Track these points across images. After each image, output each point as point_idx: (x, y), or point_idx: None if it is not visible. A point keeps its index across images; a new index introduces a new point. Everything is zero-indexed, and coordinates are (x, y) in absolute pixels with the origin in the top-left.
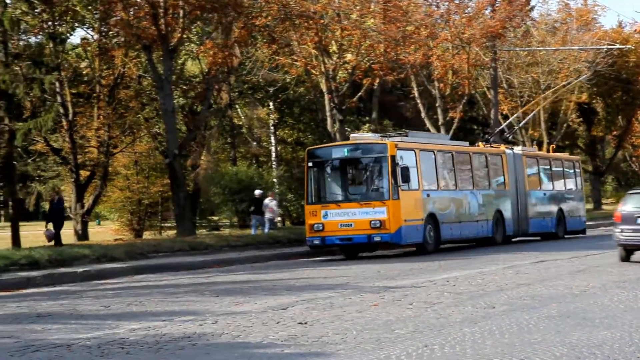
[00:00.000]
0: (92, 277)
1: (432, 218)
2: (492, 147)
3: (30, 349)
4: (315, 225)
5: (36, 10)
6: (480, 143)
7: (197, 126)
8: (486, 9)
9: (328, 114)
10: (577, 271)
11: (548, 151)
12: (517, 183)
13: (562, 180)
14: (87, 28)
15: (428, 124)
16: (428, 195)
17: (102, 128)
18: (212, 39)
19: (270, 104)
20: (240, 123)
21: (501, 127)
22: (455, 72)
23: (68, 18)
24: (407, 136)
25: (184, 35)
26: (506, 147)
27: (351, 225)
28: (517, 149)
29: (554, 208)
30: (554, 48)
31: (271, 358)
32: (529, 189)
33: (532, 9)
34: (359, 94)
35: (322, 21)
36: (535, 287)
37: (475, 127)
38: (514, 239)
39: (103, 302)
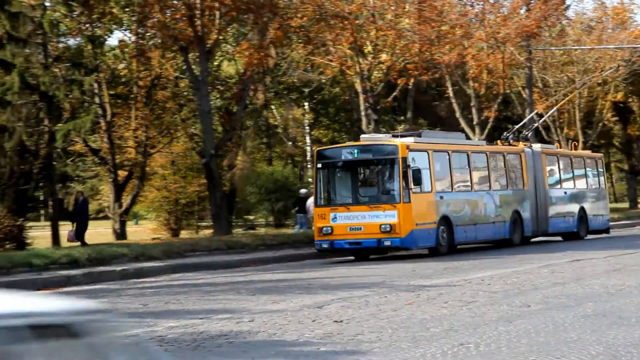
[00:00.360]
0: (131, 275)
1: (445, 221)
2: (511, 145)
3: None
4: (324, 228)
5: (75, 13)
6: (498, 142)
7: (233, 126)
8: (521, 9)
9: (363, 113)
10: (613, 270)
11: (571, 149)
12: (537, 182)
13: (584, 178)
14: (125, 30)
15: (463, 124)
16: (441, 197)
17: (140, 128)
18: (248, 39)
19: (306, 104)
20: (276, 123)
21: (519, 125)
22: (490, 71)
23: (106, 20)
24: (420, 136)
25: (220, 37)
26: (525, 145)
27: (361, 229)
28: (537, 147)
29: (575, 207)
30: (589, 47)
31: (307, 356)
32: (548, 188)
33: (567, 8)
34: (394, 93)
35: (357, 22)
36: (571, 285)
37: (510, 126)
38: (534, 239)
39: (141, 300)
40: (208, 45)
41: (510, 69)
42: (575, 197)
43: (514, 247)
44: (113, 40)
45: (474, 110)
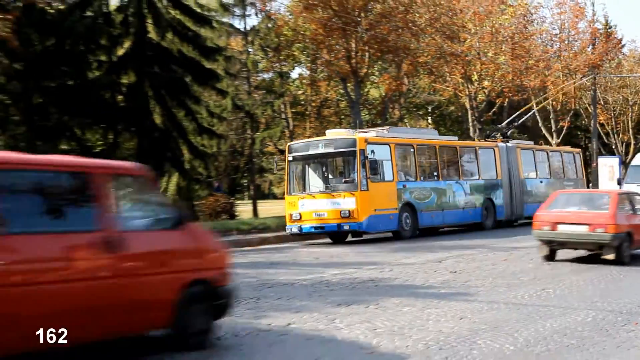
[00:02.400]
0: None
1: (409, 207)
2: (486, 141)
3: (266, 286)
4: (294, 214)
5: (268, 55)
6: (477, 138)
7: None
8: (588, 47)
9: (471, 125)
10: None
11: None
12: (512, 172)
13: (561, 169)
14: (302, 66)
15: (544, 131)
16: (404, 185)
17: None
18: (388, 72)
19: (429, 118)
20: None
21: (501, 125)
22: (565, 93)
23: (289, 60)
24: (388, 132)
25: (369, 70)
26: (501, 142)
27: (324, 214)
28: (512, 143)
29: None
30: (638, 75)
31: (431, 296)
32: (524, 178)
33: (623, 46)
34: (493, 109)
35: (466, 58)
36: None
37: (579, 132)
38: (515, 223)
39: (314, 255)
40: (360, 77)
41: (579, 91)
42: (552, 185)
43: (486, 230)
44: (294, 74)
45: (552, 121)
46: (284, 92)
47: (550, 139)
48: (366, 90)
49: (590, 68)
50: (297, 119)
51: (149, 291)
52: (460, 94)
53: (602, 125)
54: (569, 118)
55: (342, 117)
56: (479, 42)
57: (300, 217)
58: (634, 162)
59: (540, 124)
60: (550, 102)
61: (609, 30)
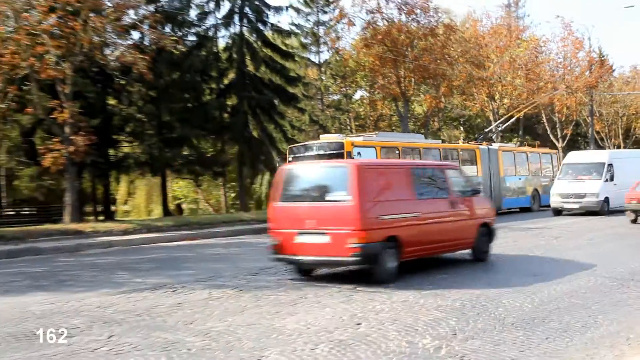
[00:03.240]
0: None
1: None
2: (469, 144)
3: None
4: None
5: (337, 82)
6: (466, 142)
7: None
8: (586, 72)
9: (495, 133)
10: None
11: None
12: (492, 171)
13: (540, 168)
14: (362, 89)
15: (552, 137)
16: None
17: None
18: (429, 93)
19: (461, 128)
20: (443, 139)
21: (487, 130)
22: (568, 107)
23: (353, 85)
24: (376, 135)
25: (414, 92)
26: (487, 144)
27: None
28: (495, 145)
29: (530, 189)
30: (626, 93)
31: (466, 267)
32: (503, 175)
33: (614, 70)
34: (511, 120)
35: (490, 82)
36: (607, 230)
37: (580, 138)
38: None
39: None
40: (408, 97)
41: (580, 105)
42: (530, 182)
43: None
44: (356, 95)
45: (558, 130)
46: (349, 109)
47: (557, 143)
48: (412, 107)
49: (588, 88)
50: (359, 130)
51: (466, 229)
52: (485, 109)
53: (597, 132)
54: (571, 127)
55: (394, 128)
56: (500, 69)
57: None
58: (566, 160)
59: (549, 132)
60: (556, 115)
61: (602, 58)
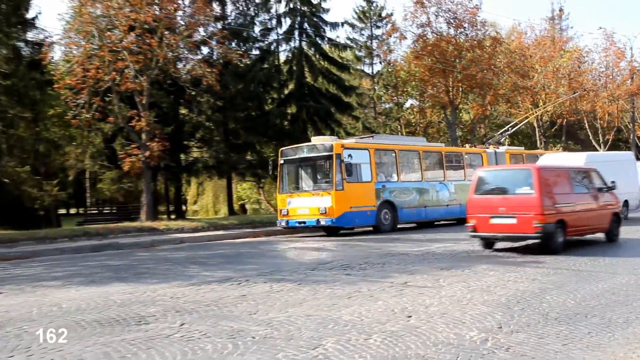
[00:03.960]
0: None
1: (389, 204)
2: (476, 147)
3: (388, 255)
4: (282, 210)
5: (389, 91)
6: (473, 144)
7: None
8: (628, 80)
9: (537, 138)
10: None
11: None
12: None
13: None
14: (413, 98)
15: (594, 142)
16: (383, 185)
17: None
18: (476, 101)
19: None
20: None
21: (497, 134)
22: (610, 114)
23: (404, 94)
24: (372, 138)
25: (462, 100)
26: (495, 147)
27: (306, 211)
28: (502, 149)
29: None
30: None
31: (510, 263)
32: None
33: None
34: (555, 127)
35: (534, 90)
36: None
37: (621, 143)
38: None
39: (427, 237)
40: (456, 105)
41: (621, 112)
42: None
43: None
44: (407, 104)
45: (600, 135)
46: (400, 117)
47: (599, 148)
48: (460, 114)
49: (629, 95)
50: (409, 135)
51: (604, 217)
52: (530, 117)
53: (639, 137)
54: (613, 133)
55: (442, 134)
56: (544, 79)
57: (288, 213)
58: (537, 163)
59: (591, 137)
60: (599, 122)
61: None
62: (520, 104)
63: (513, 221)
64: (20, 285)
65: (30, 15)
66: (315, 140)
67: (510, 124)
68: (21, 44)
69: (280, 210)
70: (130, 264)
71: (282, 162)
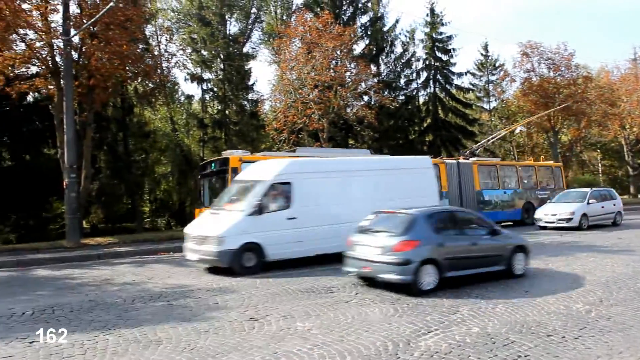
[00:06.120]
0: None
1: None
2: (435, 159)
3: None
4: None
5: (502, 121)
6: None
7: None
8: None
9: (626, 155)
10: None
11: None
12: (463, 185)
13: (536, 181)
14: (521, 126)
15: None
16: None
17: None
18: (573, 126)
19: (598, 150)
20: (584, 158)
21: (474, 148)
22: None
23: (514, 123)
24: (294, 152)
25: (561, 126)
26: (464, 159)
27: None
28: (470, 160)
29: (520, 202)
30: None
31: (607, 251)
32: (480, 189)
33: None
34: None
35: (622, 116)
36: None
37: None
38: None
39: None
40: (556, 129)
41: None
42: (520, 195)
43: None
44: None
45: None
46: (511, 140)
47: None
48: (559, 137)
49: None
50: (519, 155)
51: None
52: (618, 136)
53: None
54: None
55: (545, 153)
56: (630, 106)
57: None
58: (236, 179)
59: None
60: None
61: None
62: (610, 127)
63: None
64: None
65: (250, 82)
66: (224, 153)
67: (485, 140)
68: (244, 102)
69: None
70: None
71: (199, 176)
